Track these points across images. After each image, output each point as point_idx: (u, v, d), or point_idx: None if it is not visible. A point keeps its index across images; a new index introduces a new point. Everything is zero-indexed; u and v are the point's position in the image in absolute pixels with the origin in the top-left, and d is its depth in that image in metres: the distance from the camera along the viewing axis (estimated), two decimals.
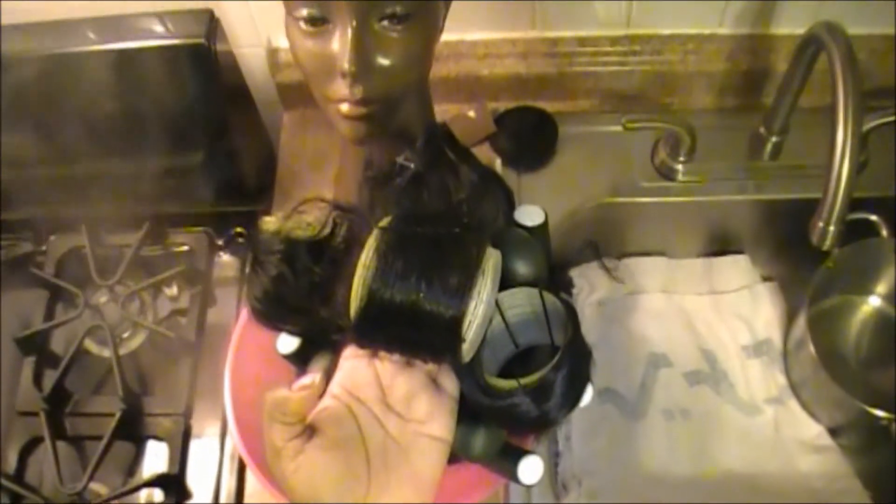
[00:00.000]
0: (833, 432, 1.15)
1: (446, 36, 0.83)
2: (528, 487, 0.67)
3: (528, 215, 0.72)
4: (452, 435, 0.62)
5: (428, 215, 0.62)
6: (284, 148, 1.29)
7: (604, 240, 1.27)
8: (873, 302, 1.23)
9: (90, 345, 1.19)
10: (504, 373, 0.71)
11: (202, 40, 1.04)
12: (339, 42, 0.70)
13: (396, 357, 0.61)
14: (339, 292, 0.60)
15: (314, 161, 1.25)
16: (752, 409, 1.18)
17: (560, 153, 1.22)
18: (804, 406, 1.17)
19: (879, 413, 1.04)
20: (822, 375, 1.08)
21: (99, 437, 1.08)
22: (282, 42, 1.23)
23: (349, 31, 0.69)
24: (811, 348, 1.08)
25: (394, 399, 0.61)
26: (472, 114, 1.23)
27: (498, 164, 1.22)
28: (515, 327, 0.69)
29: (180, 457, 1.09)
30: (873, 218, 1.13)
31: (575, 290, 1.25)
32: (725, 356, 1.22)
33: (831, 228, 0.89)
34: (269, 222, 0.67)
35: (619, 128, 1.12)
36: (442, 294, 0.57)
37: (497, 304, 0.65)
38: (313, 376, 0.59)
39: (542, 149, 1.22)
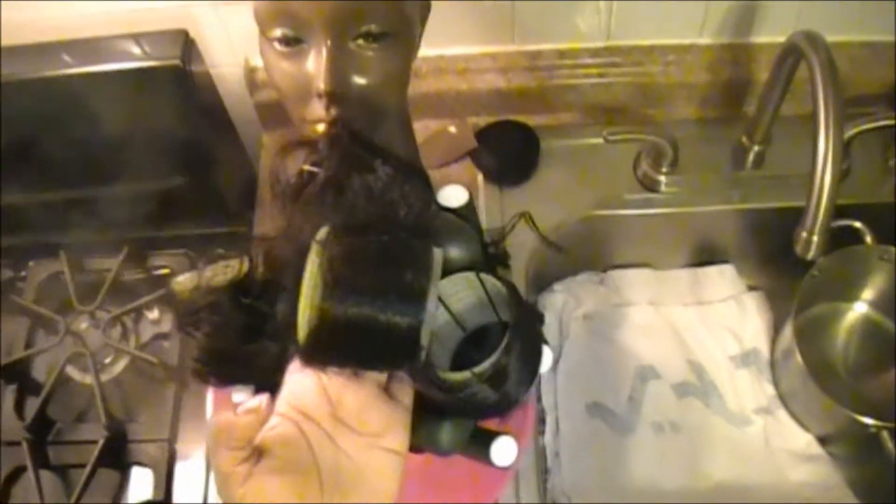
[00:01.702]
0: (823, 441, 1.15)
1: (425, 51, 0.82)
2: (505, 469, 0.65)
3: (452, 197, 0.70)
4: (407, 447, 0.60)
5: (365, 222, 0.59)
6: (264, 168, 1.27)
7: (589, 253, 1.26)
8: (860, 309, 1.23)
9: (72, 372, 1.18)
10: (458, 358, 0.69)
11: (177, 61, 1.04)
12: (315, 62, 0.69)
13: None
14: (281, 314, 0.58)
15: None
16: (741, 420, 1.17)
17: (542, 167, 1.22)
18: (793, 415, 1.17)
19: (868, 421, 1.03)
20: (811, 384, 1.07)
21: (83, 466, 1.07)
22: (259, 61, 1.22)
23: (324, 51, 0.68)
24: (799, 357, 1.08)
25: (344, 413, 0.58)
26: (452, 129, 1.23)
27: (480, 179, 1.21)
28: (460, 314, 0.68)
29: (166, 483, 1.08)
30: (858, 225, 1.13)
31: (560, 304, 1.25)
32: (713, 367, 1.22)
33: (815, 238, 0.89)
34: (183, 282, 0.65)
35: (600, 140, 1.12)
36: (397, 303, 0.55)
37: (439, 297, 0.63)
38: (259, 399, 0.57)
39: (524, 163, 1.22)
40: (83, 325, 1.20)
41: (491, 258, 0.69)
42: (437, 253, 0.60)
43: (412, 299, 0.55)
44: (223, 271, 0.63)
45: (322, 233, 0.58)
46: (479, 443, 0.65)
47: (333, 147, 0.65)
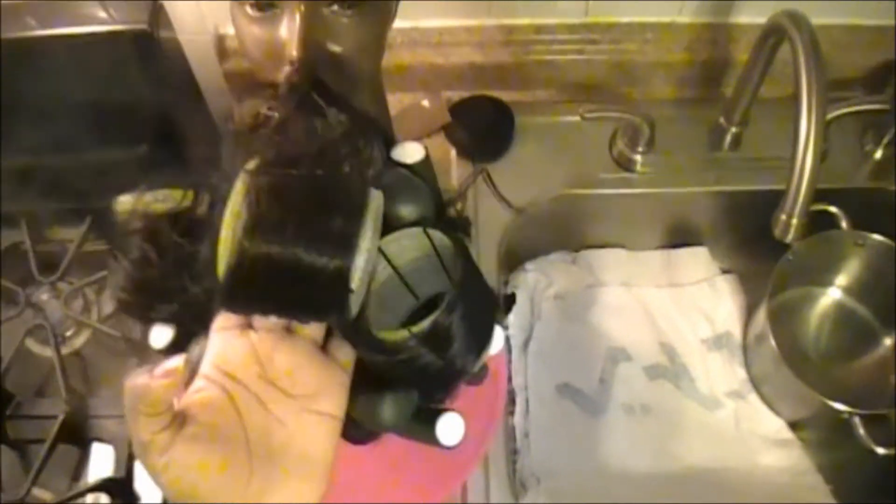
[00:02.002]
0: (794, 426, 1.15)
1: (400, 23, 0.81)
2: (450, 448, 0.61)
3: (407, 153, 0.66)
4: (344, 410, 0.56)
5: (299, 156, 0.55)
6: None
7: (562, 232, 1.25)
8: (833, 294, 1.23)
9: (32, 344, 1.15)
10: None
11: (145, 27, 1.02)
12: (287, 28, 0.67)
13: (274, 322, 0.55)
14: (203, 251, 0.53)
15: None
16: (712, 404, 1.17)
17: (517, 144, 1.21)
18: (765, 400, 1.17)
19: (840, 406, 1.03)
20: (783, 369, 1.07)
21: (42, 441, 1.04)
22: (229, 29, 1.20)
23: (297, 17, 0.66)
24: (772, 341, 1.08)
25: (275, 373, 0.54)
26: (426, 103, 1.21)
27: (453, 154, 1.20)
28: (411, 277, 0.64)
29: (127, 460, 1.05)
30: (833, 210, 1.12)
31: (532, 284, 1.24)
32: (685, 350, 1.21)
33: (794, 221, 0.88)
34: (123, 202, 0.61)
35: (576, 118, 1.10)
36: (325, 243, 0.51)
37: (382, 252, 0.60)
38: (178, 359, 0.51)
39: (498, 139, 1.20)
40: (44, 296, 1.17)
41: (450, 223, 0.66)
42: (376, 195, 0.56)
43: (342, 241, 0.52)
44: (161, 199, 0.59)
45: (251, 164, 0.54)
46: (424, 420, 0.61)
47: (291, 92, 0.62)
